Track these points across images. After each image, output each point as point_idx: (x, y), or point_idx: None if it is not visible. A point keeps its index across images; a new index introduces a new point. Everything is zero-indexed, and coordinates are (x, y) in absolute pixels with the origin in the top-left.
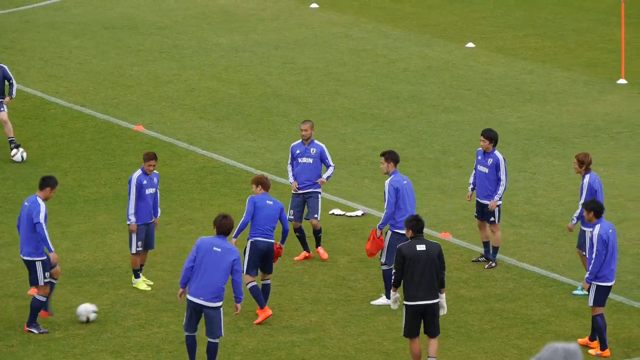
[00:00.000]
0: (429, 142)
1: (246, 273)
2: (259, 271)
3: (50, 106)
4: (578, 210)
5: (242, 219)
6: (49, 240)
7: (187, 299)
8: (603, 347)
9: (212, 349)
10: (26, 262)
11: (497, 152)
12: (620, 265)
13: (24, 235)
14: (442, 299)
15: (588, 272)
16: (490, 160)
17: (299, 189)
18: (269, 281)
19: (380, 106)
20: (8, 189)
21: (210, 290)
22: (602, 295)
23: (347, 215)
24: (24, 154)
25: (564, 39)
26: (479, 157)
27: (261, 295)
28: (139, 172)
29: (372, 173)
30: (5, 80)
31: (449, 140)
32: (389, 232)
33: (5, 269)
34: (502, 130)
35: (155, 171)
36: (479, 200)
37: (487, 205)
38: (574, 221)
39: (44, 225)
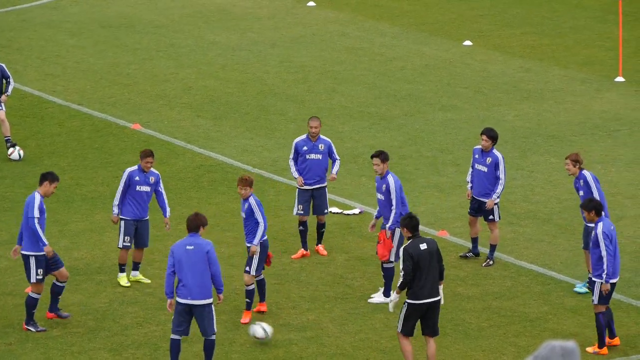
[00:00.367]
0: (426, 140)
1: (256, 272)
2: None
3: (47, 105)
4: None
5: (263, 224)
6: (41, 234)
7: (177, 302)
8: (601, 345)
9: (208, 346)
10: (22, 256)
11: (496, 151)
12: None
13: (22, 230)
14: (440, 290)
15: (604, 273)
16: (489, 159)
17: (307, 184)
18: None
19: (378, 104)
20: (6, 187)
21: (196, 288)
22: (605, 294)
23: (345, 214)
24: (21, 152)
25: (561, 36)
26: (476, 156)
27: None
28: (133, 167)
29: (369, 171)
30: (3, 79)
31: (446, 138)
32: (398, 230)
33: (3, 267)
34: (499, 128)
35: (155, 171)
36: (475, 197)
37: (485, 203)
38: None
39: (35, 219)
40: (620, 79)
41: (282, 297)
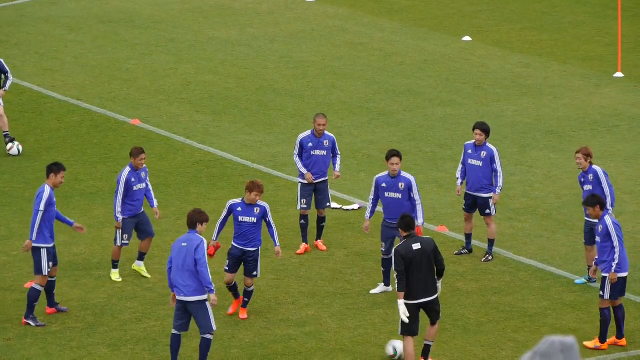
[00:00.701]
0: (425, 136)
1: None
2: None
3: (46, 100)
4: (608, 198)
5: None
6: (35, 228)
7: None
8: (603, 339)
9: (203, 345)
10: (32, 248)
11: (489, 144)
12: None
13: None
14: (439, 283)
15: (614, 263)
16: (483, 153)
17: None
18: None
19: (376, 99)
20: (4, 182)
21: (187, 284)
22: (617, 286)
23: (344, 209)
24: (20, 147)
25: (560, 32)
26: (469, 151)
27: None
28: (127, 169)
29: (368, 166)
30: (1, 74)
31: (445, 133)
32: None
33: (1, 262)
34: (498, 124)
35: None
36: (470, 193)
37: (481, 197)
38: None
39: (39, 212)
40: (619, 74)
41: (281, 292)
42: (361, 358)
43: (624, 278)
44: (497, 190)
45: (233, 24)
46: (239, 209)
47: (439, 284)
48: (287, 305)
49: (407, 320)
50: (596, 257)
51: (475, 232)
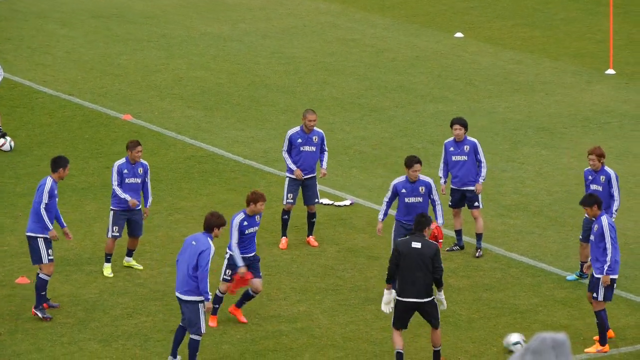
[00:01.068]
0: (417, 132)
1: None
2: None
3: (38, 95)
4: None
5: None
6: (46, 219)
7: None
8: (604, 342)
9: (190, 345)
10: (28, 238)
11: (469, 137)
12: None
13: (30, 214)
14: (441, 296)
15: (606, 265)
16: (467, 147)
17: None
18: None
19: (369, 96)
20: None
21: (181, 282)
22: (611, 288)
23: (336, 205)
24: (12, 143)
25: (552, 29)
26: (451, 149)
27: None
28: (121, 160)
29: (360, 163)
30: None
31: (437, 130)
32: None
33: None
34: (490, 120)
35: (143, 162)
36: (457, 188)
37: (471, 191)
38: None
39: (43, 204)
40: (610, 71)
41: (273, 289)
42: (353, 354)
43: (613, 280)
44: (481, 180)
45: (225, 19)
46: (245, 223)
47: (441, 297)
48: (279, 302)
49: (386, 311)
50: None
51: (466, 228)
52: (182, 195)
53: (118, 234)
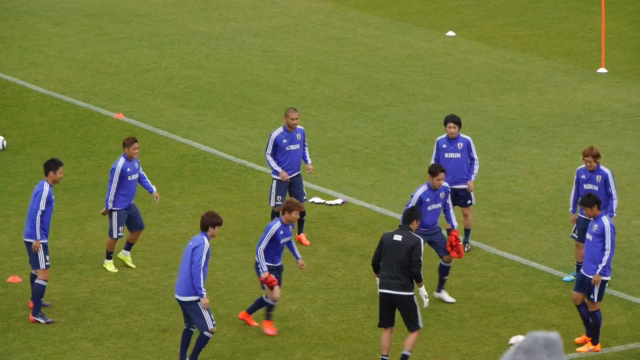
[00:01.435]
0: (409, 131)
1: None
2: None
3: (29, 94)
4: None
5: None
6: (38, 228)
7: None
8: (595, 342)
9: (198, 340)
10: (27, 243)
11: (462, 135)
12: None
13: (27, 217)
14: (421, 292)
15: (601, 266)
16: (460, 145)
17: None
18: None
19: (360, 94)
20: None
21: (180, 283)
22: (603, 289)
23: (327, 204)
24: (4, 142)
25: (544, 27)
26: (444, 146)
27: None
28: (122, 160)
29: (351, 161)
30: None
31: (429, 128)
32: None
33: None
34: (482, 119)
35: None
36: (449, 186)
37: (463, 189)
38: (615, 214)
39: (39, 212)
40: (602, 70)
41: None
42: (344, 353)
43: (605, 282)
44: (473, 177)
45: (217, 18)
46: (281, 232)
47: (422, 293)
48: None
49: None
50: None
51: (460, 228)
52: (174, 194)
53: (122, 235)
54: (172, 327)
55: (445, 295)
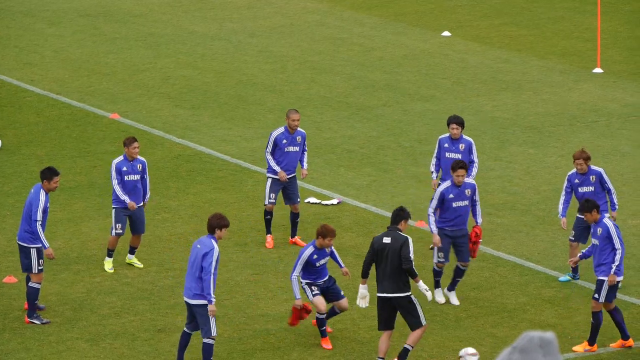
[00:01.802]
0: (404, 131)
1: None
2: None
3: (25, 94)
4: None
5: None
6: (42, 237)
7: None
8: (592, 342)
9: (204, 349)
10: (21, 247)
11: (465, 136)
12: None
13: (22, 220)
14: (420, 287)
15: (614, 265)
16: (462, 146)
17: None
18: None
19: (356, 94)
20: None
21: (188, 286)
22: (614, 289)
23: (323, 204)
24: (0, 142)
25: (539, 27)
26: (446, 145)
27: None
28: (119, 158)
29: (347, 161)
30: None
31: (424, 128)
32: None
33: None
34: (477, 119)
35: (140, 158)
36: None
37: None
38: (615, 211)
39: (38, 222)
40: (598, 70)
41: (260, 288)
42: (340, 353)
43: (618, 282)
44: (471, 179)
45: (212, 18)
46: (315, 256)
47: (421, 287)
48: (266, 301)
49: (361, 305)
50: (582, 252)
51: None
52: (170, 194)
53: (121, 232)
54: (168, 328)
55: (453, 296)
